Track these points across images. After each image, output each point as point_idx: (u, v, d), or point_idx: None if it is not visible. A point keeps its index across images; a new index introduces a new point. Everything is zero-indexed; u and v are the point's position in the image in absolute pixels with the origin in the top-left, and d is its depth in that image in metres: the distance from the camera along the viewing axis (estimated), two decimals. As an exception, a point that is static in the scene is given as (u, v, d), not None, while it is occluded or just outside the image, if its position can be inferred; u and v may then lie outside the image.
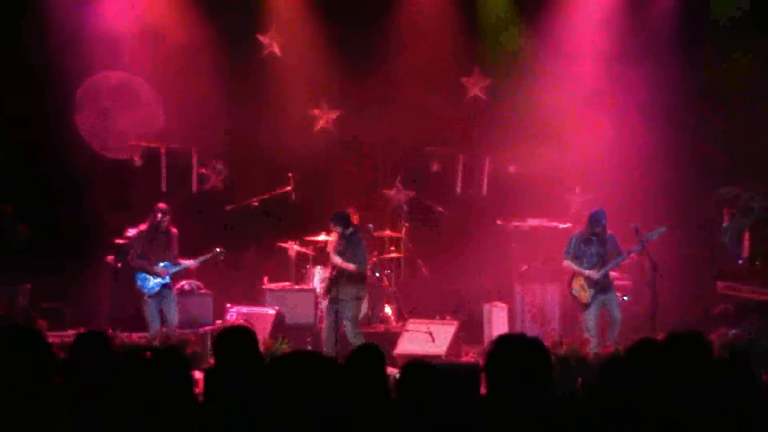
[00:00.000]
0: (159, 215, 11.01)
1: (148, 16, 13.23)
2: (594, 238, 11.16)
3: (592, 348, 10.51)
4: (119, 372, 4.56)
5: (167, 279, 11.08)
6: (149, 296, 11.04)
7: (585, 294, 11.17)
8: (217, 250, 11.37)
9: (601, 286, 11.16)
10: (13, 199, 11.85)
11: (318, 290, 12.45)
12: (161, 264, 11.04)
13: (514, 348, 4.52)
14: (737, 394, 4.62)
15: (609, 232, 11.24)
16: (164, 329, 10.81)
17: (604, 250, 11.18)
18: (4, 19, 12.76)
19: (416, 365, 4.95)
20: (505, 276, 12.91)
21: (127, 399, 4.49)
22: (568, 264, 11.26)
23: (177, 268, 11.17)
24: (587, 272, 11.11)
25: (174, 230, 11.19)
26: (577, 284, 11.22)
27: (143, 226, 11.18)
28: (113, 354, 5.14)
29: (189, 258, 11.26)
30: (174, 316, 11.05)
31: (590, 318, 11.12)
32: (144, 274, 11.05)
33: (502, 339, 4.62)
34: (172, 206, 11.38)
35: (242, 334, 5.21)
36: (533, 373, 4.47)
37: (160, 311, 11.06)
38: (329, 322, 11.03)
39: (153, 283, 11.04)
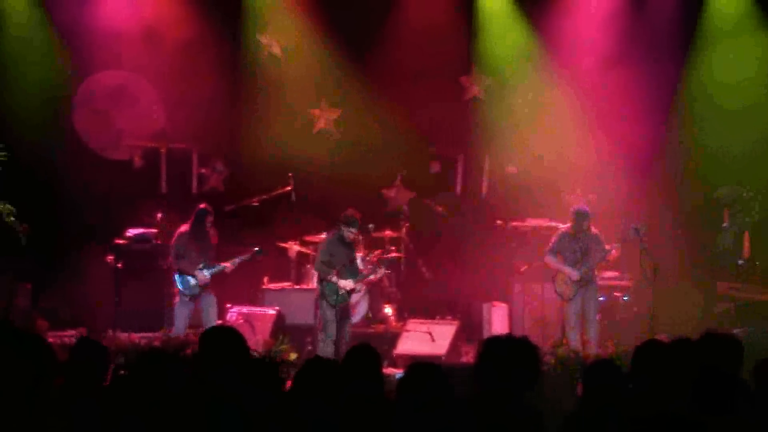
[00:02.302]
0: (203, 216, 11.02)
1: (148, 16, 13.23)
2: (578, 234, 11.20)
3: (571, 342, 10.59)
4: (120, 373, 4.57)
5: (207, 280, 11.08)
6: (188, 297, 11.04)
7: (568, 289, 11.25)
8: (256, 249, 11.32)
9: (583, 282, 11.21)
10: (13, 199, 11.84)
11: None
12: (201, 266, 11.03)
13: (501, 348, 4.51)
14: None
15: (594, 231, 11.30)
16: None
17: (587, 246, 11.23)
18: (4, 18, 12.78)
19: (420, 366, 4.95)
20: (505, 276, 12.89)
21: (127, 398, 4.50)
22: (550, 260, 11.36)
23: (215, 270, 11.12)
24: (568, 270, 11.18)
25: (214, 231, 11.21)
26: (560, 280, 11.30)
27: (184, 228, 11.15)
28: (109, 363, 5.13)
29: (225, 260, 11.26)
30: (213, 318, 11.01)
31: (570, 312, 11.23)
32: (184, 275, 11.04)
33: (488, 341, 4.63)
34: (172, 206, 11.38)
35: (227, 335, 5.16)
36: (521, 372, 4.46)
37: (197, 313, 11.09)
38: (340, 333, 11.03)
39: (194, 283, 11.03)
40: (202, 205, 11.20)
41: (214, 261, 11.16)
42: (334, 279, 10.99)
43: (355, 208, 12.73)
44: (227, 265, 11.18)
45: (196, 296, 11.06)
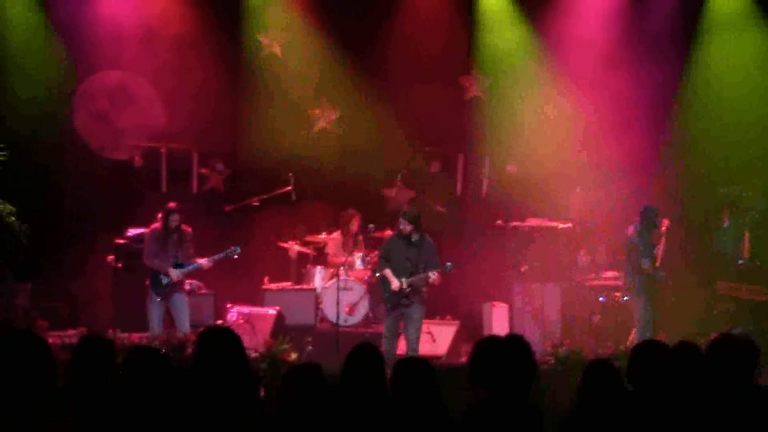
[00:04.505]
0: (167, 215, 10.94)
1: (148, 16, 13.23)
2: (652, 232, 11.14)
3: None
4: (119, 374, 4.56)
5: (179, 279, 10.92)
6: (158, 297, 10.99)
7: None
8: (232, 248, 11.16)
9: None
10: (13, 199, 11.84)
11: (318, 290, 12.44)
12: (174, 264, 10.95)
13: (494, 351, 4.51)
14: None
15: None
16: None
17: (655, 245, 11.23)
18: (3, 18, 12.79)
19: (409, 362, 4.97)
20: (505, 276, 12.89)
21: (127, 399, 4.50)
22: (647, 263, 11.07)
23: (189, 268, 11.01)
24: (655, 271, 11.11)
25: (186, 229, 11.07)
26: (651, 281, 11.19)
27: (156, 225, 11.13)
28: (115, 359, 5.10)
29: (203, 257, 11.11)
30: (184, 322, 10.86)
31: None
32: (156, 274, 11.01)
33: (480, 344, 4.61)
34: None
35: (224, 335, 5.13)
36: (516, 370, 4.45)
37: (169, 315, 10.99)
38: (394, 331, 10.61)
39: (165, 282, 11.00)
40: (169, 204, 11.12)
41: (192, 258, 11.04)
42: (386, 273, 10.61)
43: (354, 207, 12.80)
44: (203, 262, 11.09)
45: (166, 295, 10.99)
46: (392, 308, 10.61)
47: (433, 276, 10.45)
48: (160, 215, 11.71)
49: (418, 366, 4.85)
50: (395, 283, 10.53)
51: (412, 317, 10.56)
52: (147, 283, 11.01)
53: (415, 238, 10.56)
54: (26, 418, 3.91)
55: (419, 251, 10.57)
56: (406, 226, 10.53)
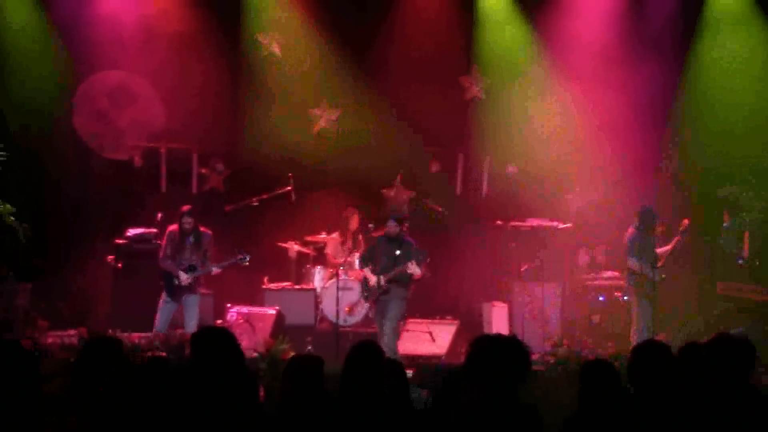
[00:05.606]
0: (180, 217, 10.96)
1: (147, 16, 13.22)
2: (651, 233, 11.13)
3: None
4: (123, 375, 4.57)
5: (188, 282, 10.95)
6: (169, 298, 11.00)
7: (651, 290, 11.11)
8: (239, 257, 11.17)
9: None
10: (13, 199, 11.84)
11: (318, 290, 12.44)
12: (187, 268, 10.96)
13: (490, 347, 4.51)
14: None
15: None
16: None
17: (655, 245, 11.21)
18: (3, 18, 12.81)
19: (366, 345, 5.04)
20: (505, 276, 12.89)
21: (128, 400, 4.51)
22: (634, 263, 11.02)
23: (198, 272, 11.03)
24: (651, 274, 11.00)
25: (204, 230, 11.10)
26: (644, 282, 11.09)
27: (172, 227, 11.14)
28: (122, 360, 5.10)
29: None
30: (190, 323, 10.89)
31: (650, 313, 11.06)
32: (169, 276, 11.01)
33: (477, 341, 4.62)
34: (172, 206, 11.36)
35: (219, 335, 5.13)
36: (510, 368, 4.45)
37: (180, 316, 11.03)
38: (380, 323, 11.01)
39: (176, 285, 10.99)
40: (183, 207, 11.14)
41: (207, 261, 11.05)
42: (365, 272, 11.14)
43: (353, 207, 12.80)
44: (213, 268, 11.13)
45: (178, 297, 11.00)
46: (375, 304, 11.07)
47: (412, 266, 10.72)
48: (159, 216, 11.74)
49: (369, 349, 4.91)
50: (373, 280, 10.99)
51: (387, 314, 10.87)
52: (161, 283, 11.07)
53: (398, 237, 10.98)
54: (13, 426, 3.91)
55: (401, 249, 10.94)
56: (395, 228, 10.97)
